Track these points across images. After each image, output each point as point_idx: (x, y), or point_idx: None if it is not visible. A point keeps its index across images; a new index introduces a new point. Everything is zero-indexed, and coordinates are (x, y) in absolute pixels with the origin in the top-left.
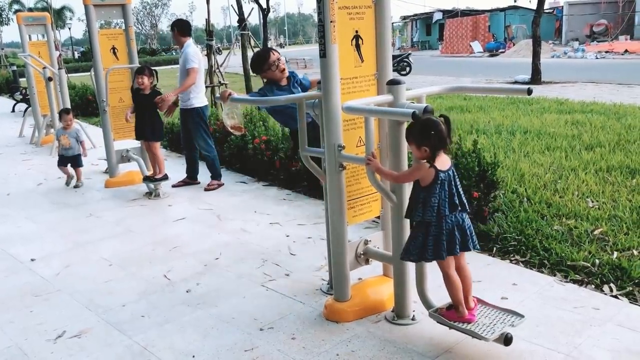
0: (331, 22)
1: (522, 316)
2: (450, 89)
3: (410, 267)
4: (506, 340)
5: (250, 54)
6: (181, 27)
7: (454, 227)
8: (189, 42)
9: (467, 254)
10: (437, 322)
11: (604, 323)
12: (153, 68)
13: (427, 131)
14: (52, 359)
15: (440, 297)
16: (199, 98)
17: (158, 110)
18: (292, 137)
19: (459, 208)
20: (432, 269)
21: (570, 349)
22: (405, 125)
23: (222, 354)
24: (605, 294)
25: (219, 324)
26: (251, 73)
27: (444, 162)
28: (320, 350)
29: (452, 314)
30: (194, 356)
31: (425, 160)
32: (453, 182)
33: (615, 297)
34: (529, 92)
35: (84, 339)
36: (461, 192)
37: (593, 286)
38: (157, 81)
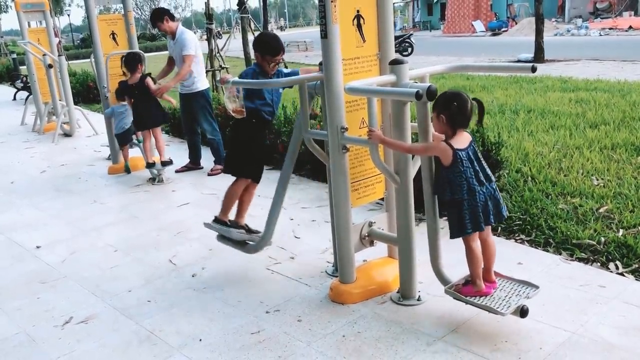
0: (332, 1)
1: (537, 287)
2: (454, 67)
3: (416, 247)
4: (522, 312)
5: (250, 37)
6: (169, 14)
7: (487, 199)
8: (183, 28)
9: None
10: (453, 298)
11: (610, 300)
12: (144, 53)
13: (450, 102)
14: (60, 345)
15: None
16: (202, 81)
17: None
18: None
19: (486, 182)
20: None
21: (576, 326)
22: (409, 106)
23: (229, 337)
24: (611, 271)
25: (225, 308)
26: (252, 55)
27: (462, 140)
28: (327, 331)
29: (470, 289)
30: (200, 340)
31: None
32: (475, 158)
33: (621, 274)
34: (534, 69)
35: (91, 324)
36: (485, 166)
37: (599, 264)
38: (144, 66)
